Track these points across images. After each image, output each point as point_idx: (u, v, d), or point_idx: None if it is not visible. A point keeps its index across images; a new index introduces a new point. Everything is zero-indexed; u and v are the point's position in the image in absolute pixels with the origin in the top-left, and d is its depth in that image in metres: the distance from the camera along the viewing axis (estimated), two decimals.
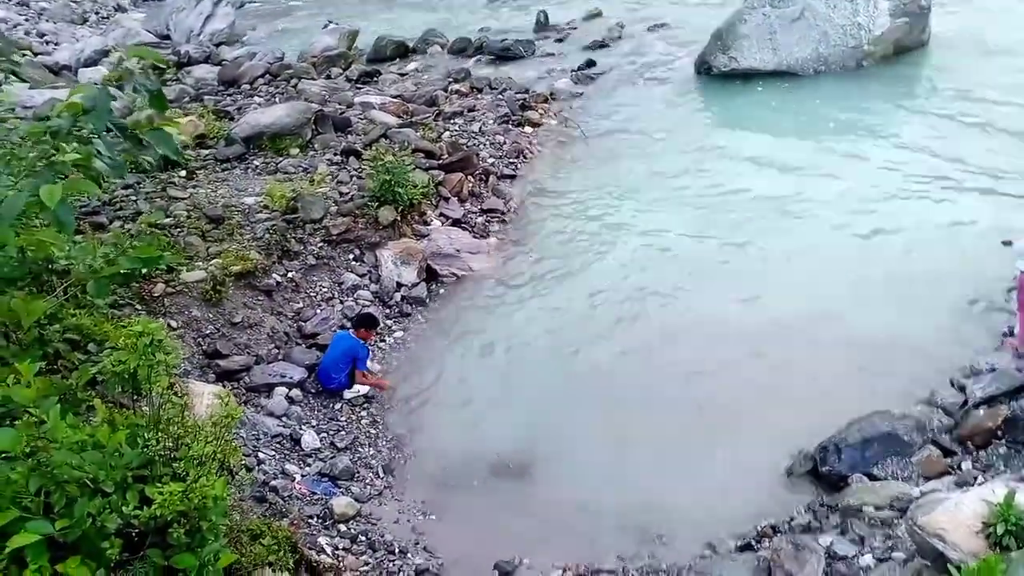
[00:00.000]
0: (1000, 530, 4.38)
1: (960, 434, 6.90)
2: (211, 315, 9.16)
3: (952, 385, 7.79)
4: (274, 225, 10.47)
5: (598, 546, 6.96)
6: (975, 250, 9.84)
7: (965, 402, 7.34)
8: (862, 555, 5.65)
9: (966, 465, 6.49)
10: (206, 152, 13.11)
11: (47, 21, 24.93)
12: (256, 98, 16.97)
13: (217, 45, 22.58)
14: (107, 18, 27.26)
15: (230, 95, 17.51)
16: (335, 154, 13.11)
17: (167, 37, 24.00)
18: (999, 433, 6.60)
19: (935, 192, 11.27)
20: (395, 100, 16.19)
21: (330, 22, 22.32)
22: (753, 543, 6.44)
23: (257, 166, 12.78)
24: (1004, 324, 8.56)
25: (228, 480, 4.94)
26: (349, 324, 9.54)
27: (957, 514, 4.62)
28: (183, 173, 12.15)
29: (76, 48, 19.75)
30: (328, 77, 18.70)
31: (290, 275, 10.20)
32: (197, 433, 4.80)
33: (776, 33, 15.31)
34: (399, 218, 11.20)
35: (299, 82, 17.63)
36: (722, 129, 14.11)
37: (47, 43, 21.61)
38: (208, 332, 9.01)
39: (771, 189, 11.98)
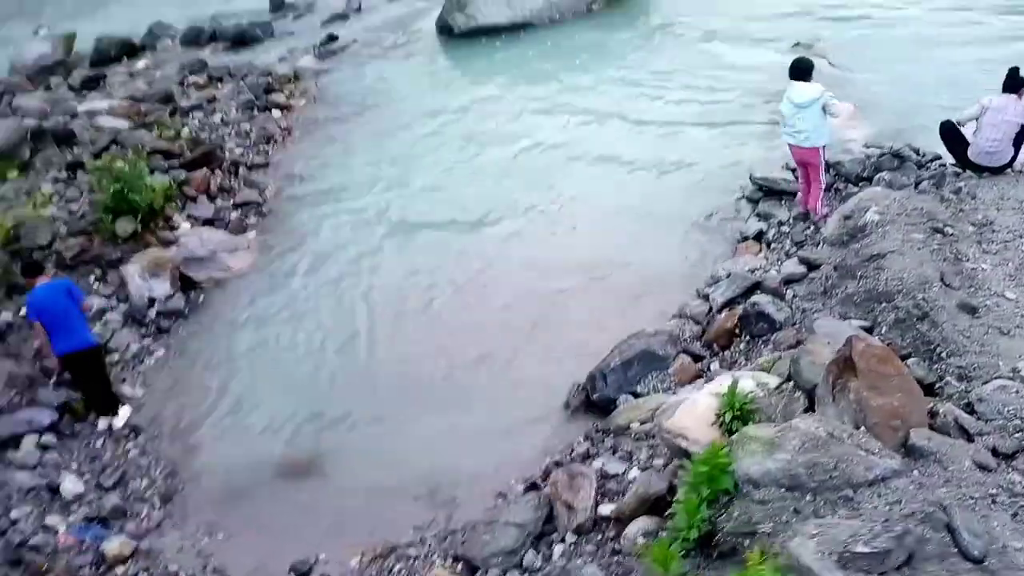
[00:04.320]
0: (728, 417, 4.72)
1: (707, 339, 7.40)
2: None
3: (699, 296, 8.33)
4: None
5: (394, 523, 6.87)
6: (705, 171, 10.57)
7: (711, 309, 7.88)
8: (630, 469, 5.93)
9: (714, 366, 6.97)
10: None
11: None
12: None
13: None
14: None
15: None
16: (60, 170, 11.92)
17: None
18: (737, 331, 7.14)
19: (664, 124, 11.95)
20: (125, 102, 14.97)
21: (40, 27, 20.19)
22: (539, 482, 6.60)
23: None
24: (737, 231, 9.25)
25: None
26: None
27: (694, 411, 4.93)
28: None
29: None
30: (48, 88, 16.98)
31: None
32: None
33: None
34: (140, 228, 10.37)
35: (13, 98, 15.85)
36: (464, 87, 14.25)
37: None
38: None
39: (511, 139, 12.31)
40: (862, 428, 4.19)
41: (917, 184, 8.44)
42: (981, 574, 3.44)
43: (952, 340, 5.35)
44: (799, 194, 8.95)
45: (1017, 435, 4.35)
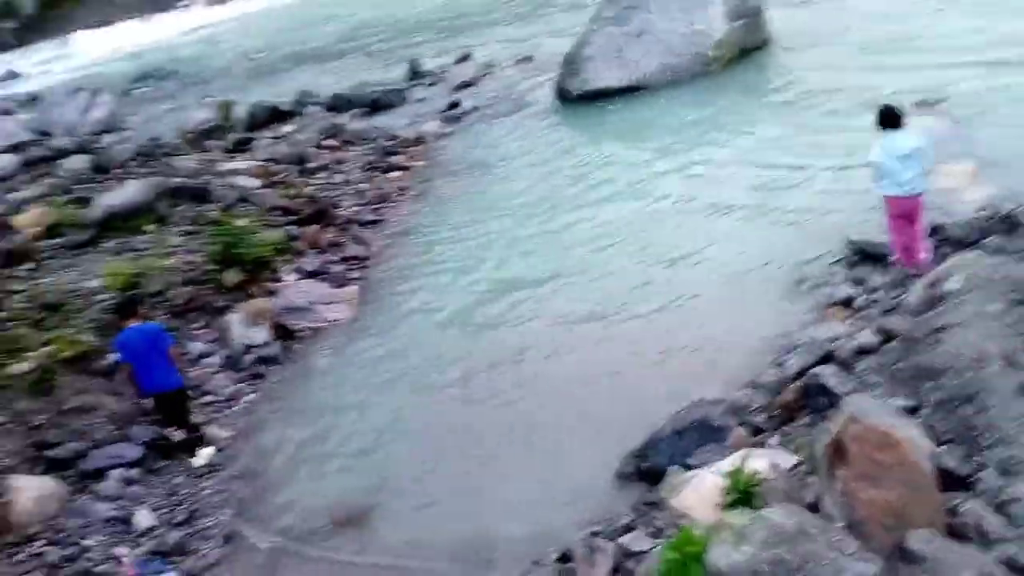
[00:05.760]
0: (729, 499, 4.33)
1: (771, 411, 6.90)
2: (41, 405, 8.85)
3: (775, 364, 7.81)
4: (111, 304, 10.22)
5: None
6: (801, 236, 10.02)
7: (783, 378, 7.36)
8: (657, 547, 5.53)
9: (772, 441, 6.45)
10: (58, 240, 12.84)
11: None
12: (129, 180, 16.69)
13: (98, 134, 22.35)
14: None
15: (100, 181, 17.23)
16: (190, 224, 12.95)
17: (48, 133, 23.69)
18: (800, 404, 6.60)
19: (767, 188, 11.46)
20: (262, 163, 16.15)
21: (205, 96, 22.30)
22: (570, 553, 6.30)
23: (110, 247, 12.53)
24: (827, 297, 8.65)
25: None
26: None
27: (700, 489, 4.58)
28: (31, 265, 11.88)
29: None
30: (205, 150, 18.62)
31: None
32: None
33: (623, 50, 15.65)
34: (246, 279, 11.05)
35: (172, 158, 17.53)
36: (574, 150, 14.34)
37: None
38: (38, 423, 8.70)
39: (614, 201, 12.20)
40: (841, 523, 3.68)
41: None
42: None
43: (1001, 427, 4.66)
44: (895, 255, 8.30)
45: None
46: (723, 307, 9.26)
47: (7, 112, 28.68)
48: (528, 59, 19.97)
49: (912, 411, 5.05)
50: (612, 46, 15.73)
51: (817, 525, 3.64)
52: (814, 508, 4.01)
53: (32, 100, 28.79)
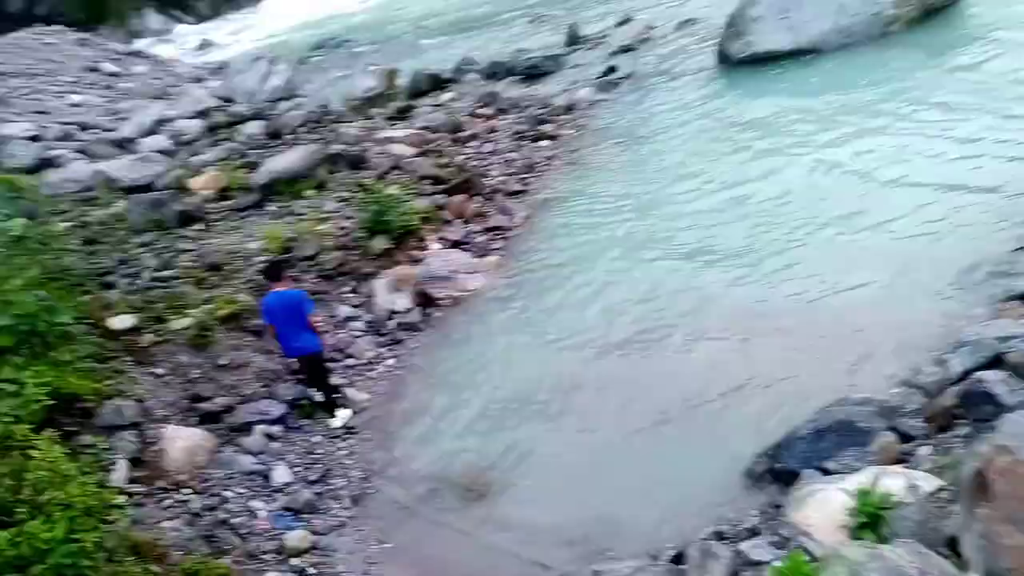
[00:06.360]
0: (855, 523, 3.85)
1: (926, 416, 6.19)
2: (198, 360, 9.43)
3: (937, 363, 7.01)
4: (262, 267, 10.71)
5: (540, 566, 6.67)
6: (979, 217, 8.96)
7: (946, 379, 6.60)
8: (778, 559, 5.12)
9: (923, 450, 5.78)
10: (227, 203, 13.65)
11: (126, 100, 26.79)
12: (296, 146, 17.49)
13: (276, 101, 23.60)
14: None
15: (274, 147, 18.16)
16: (346, 191, 13.38)
17: (231, 100, 25.32)
18: (959, 411, 5.87)
19: (951, 165, 10.32)
20: (418, 132, 16.42)
21: (369, 65, 22.96)
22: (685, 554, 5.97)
23: (272, 211, 13.17)
24: (1004, 290, 7.69)
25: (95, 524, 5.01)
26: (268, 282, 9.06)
27: (825, 507, 4.12)
28: (200, 226, 12.69)
29: (136, 121, 21.12)
30: (368, 118, 19.19)
31: None
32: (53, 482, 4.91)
33: (790, 11, 14.54)
34: (393, 246, 11.27)
35: (338, 126, 18.18)
36: (738, 120, 13.45)
37: (118, 120, 23.20)
38: (194, 377, 9.28)
39: (780, 177, 11.36)
40: (978, 572, 3.13)
41: None
42: None
43: None
44: None
45: None
46: (887, 294, 8.48)
47: (198, 80, 30.98)
48: (691, 22, 19.07)
49: None
50: (779, 6, 14.65)
51: (947, 572, 3.14)
52: (953, 545, 3.49)
53: (221, 68, 30.88)
